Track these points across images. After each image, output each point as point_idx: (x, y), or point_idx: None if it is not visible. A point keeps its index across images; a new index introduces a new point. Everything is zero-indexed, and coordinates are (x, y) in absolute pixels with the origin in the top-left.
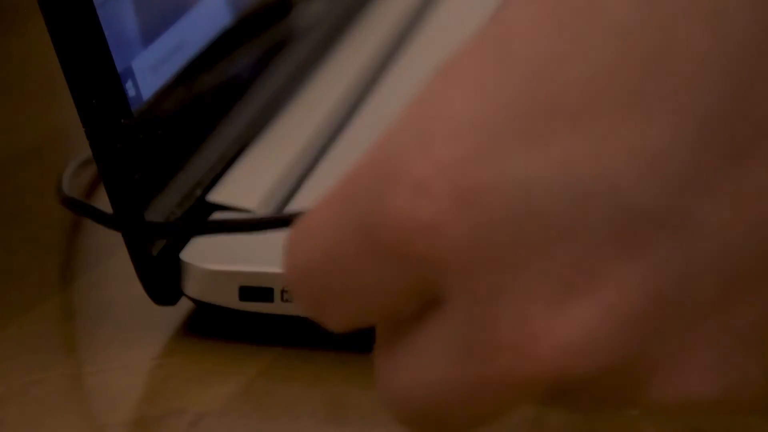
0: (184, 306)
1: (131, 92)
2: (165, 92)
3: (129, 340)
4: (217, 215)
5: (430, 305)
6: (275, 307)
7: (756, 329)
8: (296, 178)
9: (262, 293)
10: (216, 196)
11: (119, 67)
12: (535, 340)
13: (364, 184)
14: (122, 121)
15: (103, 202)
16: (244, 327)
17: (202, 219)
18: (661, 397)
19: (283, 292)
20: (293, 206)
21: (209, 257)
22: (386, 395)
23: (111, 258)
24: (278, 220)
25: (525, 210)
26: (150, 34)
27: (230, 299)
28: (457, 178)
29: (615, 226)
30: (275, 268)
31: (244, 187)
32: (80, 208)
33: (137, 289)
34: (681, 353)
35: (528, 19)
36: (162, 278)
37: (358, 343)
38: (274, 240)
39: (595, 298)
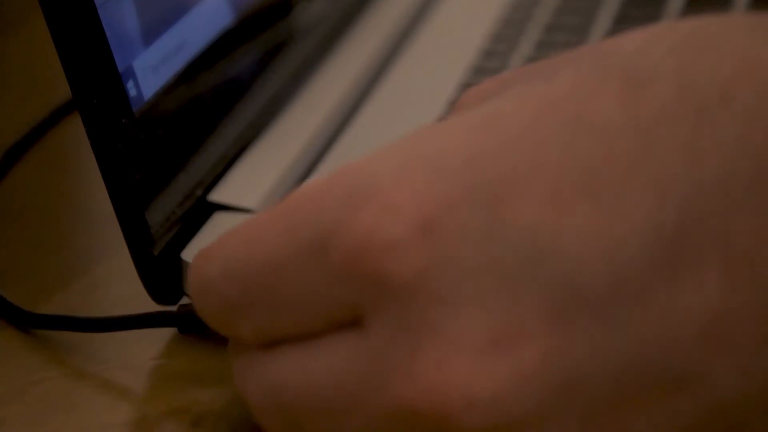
0: None
1: (132, 92)
2: (166, 92)
3: (130, 340)
4: (217, 216)
5: (342, 322)
6: None
7: None
8: (297, 178)
9: None
10: (217, 195)
11: (120, 66)
12: (447, 384)
13: (328, 199)
14: (123, 120)
15: None
16: None
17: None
18: None
19: None
20: None
21: None
22: (258, 383)
23: (111, 258)
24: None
25: (481, 257)
26: (151, 33)
27: None
28: (428, 209)
29: (555, 294)
30: None
31: (245, 187)
32: None
33: (138, 288)
34: None
35: (522, 109)
36: (163, 278)
37: None
38: None
39: (513, 356)
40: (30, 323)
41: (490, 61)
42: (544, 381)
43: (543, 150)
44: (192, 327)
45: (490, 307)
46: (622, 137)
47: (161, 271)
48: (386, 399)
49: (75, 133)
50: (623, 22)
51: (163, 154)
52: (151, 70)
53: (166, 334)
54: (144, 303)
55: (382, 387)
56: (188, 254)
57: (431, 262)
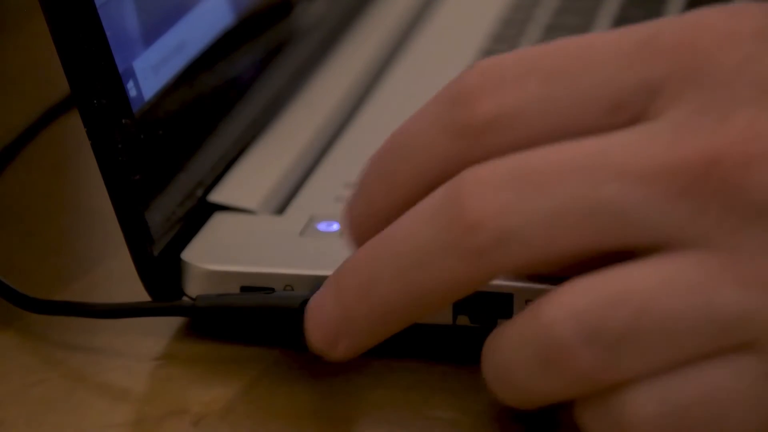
0: None
1: (132, 92)
2: (166, 92)
3: (130, 340)
4: (217, 216)
5: (626, 110)
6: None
7: None
8: (297, 178)
9: None
10: (217, 196)
11: (120, 67)
12: (760, 133)
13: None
14: (123, 121)
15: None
16: (245, 328)
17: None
18: None
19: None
20: (294, 206)
21: (210, 257)
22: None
23: (111, 258)
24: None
25: None
26: (151, 34)
27: None
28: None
29: None
30: (276, 269)
31: (246, 187)
32: None
33: (138, 288)
34: None
35: None
36: (163, 278)
37: None
38: (275, 240)
39: None
40: (44, 310)
41: None
42: None
43: None
44: (205, 322)
45: None
46: None
47: (161, 271)
48: (675, 158)
49: (75, 132)
50: (623, 22)
51: (163, 154)
52: (151, 70)
53: (166, 334)
54: None
55: (698, 140)
56: (188, 255)
57: (756, 56)
